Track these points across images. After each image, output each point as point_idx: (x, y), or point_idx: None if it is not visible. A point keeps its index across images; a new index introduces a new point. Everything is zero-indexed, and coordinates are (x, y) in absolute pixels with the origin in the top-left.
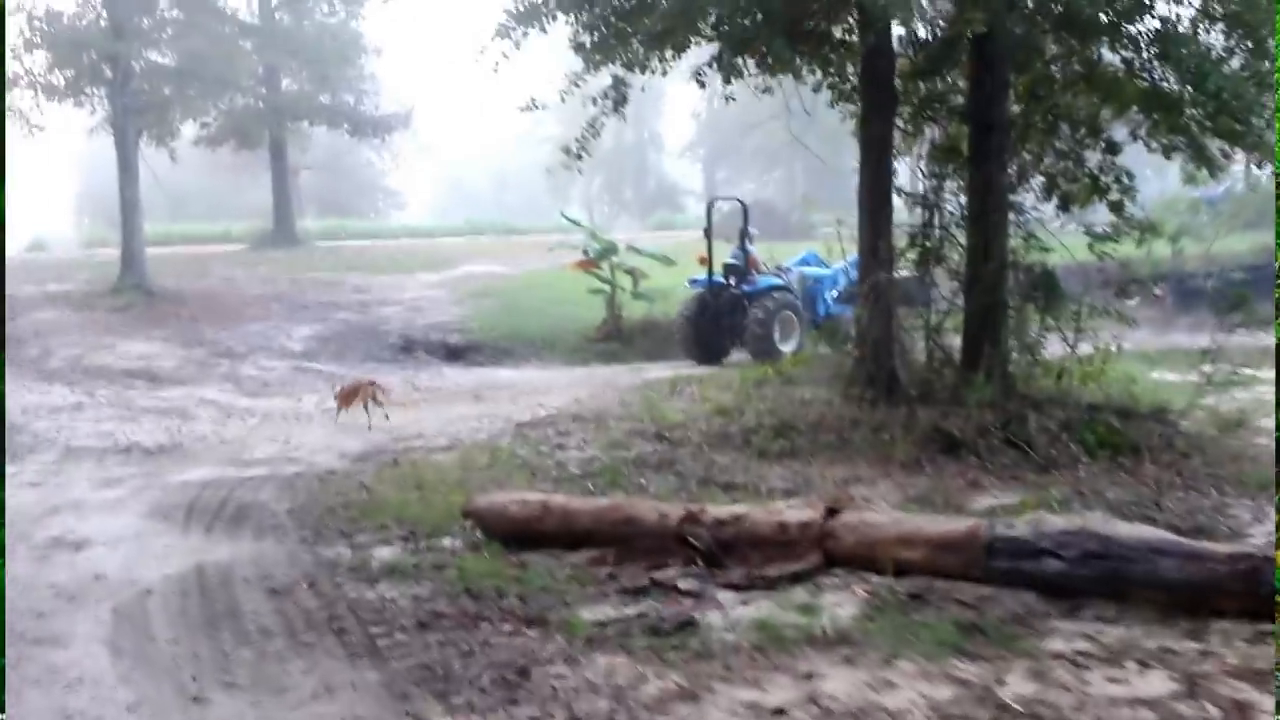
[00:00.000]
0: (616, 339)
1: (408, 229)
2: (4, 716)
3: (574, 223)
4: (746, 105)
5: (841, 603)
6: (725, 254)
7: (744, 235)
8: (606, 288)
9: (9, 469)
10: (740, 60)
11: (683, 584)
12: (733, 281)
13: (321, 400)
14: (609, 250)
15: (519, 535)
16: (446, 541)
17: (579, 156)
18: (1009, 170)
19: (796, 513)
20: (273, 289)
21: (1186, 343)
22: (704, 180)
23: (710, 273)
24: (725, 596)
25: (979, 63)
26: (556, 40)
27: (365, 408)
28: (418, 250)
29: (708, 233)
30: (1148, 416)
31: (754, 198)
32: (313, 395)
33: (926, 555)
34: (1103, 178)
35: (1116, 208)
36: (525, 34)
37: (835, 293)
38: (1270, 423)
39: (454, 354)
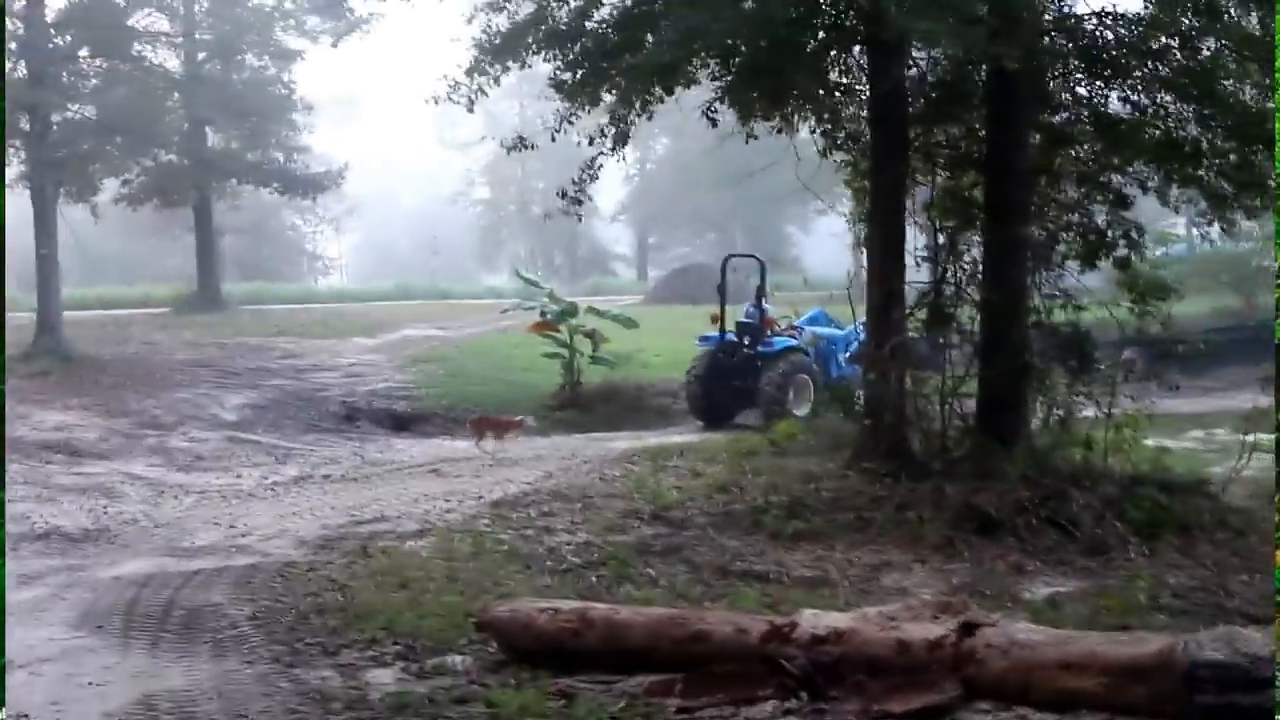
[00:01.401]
0: (575, 406)
1: (336, 293)
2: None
3: (531, 283)
4: (681, 167)
5: None
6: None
7: (760, 293)
8: (564, 352)
9: None
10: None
11: None
12: (746, 341)
13: (265, 476)
14: (569, 312)
15: (549, 653)
16: (456, 660)
17: (577, 201)
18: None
19: (920, 628)
20: (200, 354)
21: (1170, 407)
22: (635, 244)
23: (722, 331)
24: None
25: (1001, 104)
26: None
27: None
28: (349, 314)
29: (721, 290)
30: (1191, 490)
31: (687, 261)
32: (253, 470)
33: (1103, 685)
34: (1110, 233)
35: (1123, 264)
36: (505, 69)
37: (846, 355)
38: None
39: (401, 423)
